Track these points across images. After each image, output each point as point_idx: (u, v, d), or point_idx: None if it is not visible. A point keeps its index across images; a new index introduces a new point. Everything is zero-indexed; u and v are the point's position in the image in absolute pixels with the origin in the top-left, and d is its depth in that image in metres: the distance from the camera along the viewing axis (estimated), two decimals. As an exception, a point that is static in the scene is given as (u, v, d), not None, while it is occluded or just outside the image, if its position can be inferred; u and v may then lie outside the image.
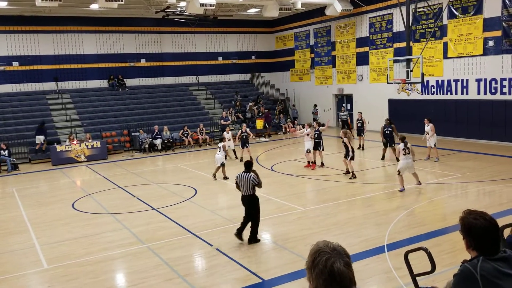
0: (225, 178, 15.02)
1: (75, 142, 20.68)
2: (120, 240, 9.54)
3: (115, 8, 21.63)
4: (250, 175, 8.92)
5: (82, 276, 7.76)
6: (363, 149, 19.48)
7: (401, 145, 12.41)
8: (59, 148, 20.43)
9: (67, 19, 25.86)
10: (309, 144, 16.31)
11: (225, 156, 15.36)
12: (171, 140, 23.19)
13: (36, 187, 15.99)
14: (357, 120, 19.68)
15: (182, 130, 23.77)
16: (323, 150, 16.48)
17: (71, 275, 7.83)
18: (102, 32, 27.10)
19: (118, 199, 13.34)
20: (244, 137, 18.18)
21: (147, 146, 22.36)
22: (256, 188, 8.99)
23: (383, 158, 16.96)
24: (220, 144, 15.62)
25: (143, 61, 28.48)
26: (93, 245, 9.31)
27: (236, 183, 9.19)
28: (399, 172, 12.33)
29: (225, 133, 18.91)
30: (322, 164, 16.36)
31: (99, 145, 21.15)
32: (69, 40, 26.34)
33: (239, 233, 8.97)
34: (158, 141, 22.65)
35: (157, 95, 27.87)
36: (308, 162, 16.40)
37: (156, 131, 22.84)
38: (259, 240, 9.04)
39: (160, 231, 9.97)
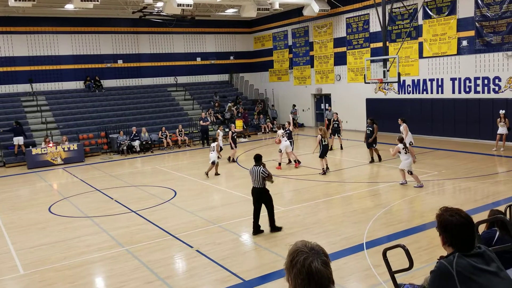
0: (217, 174, 15.75)
1: (51, 145, 20.28)
2: (99, 243, 9.41)
3: (91, 9, 21.32)
4: (259, 168, 9.25)
5: (59, 281, 7.62)
6: (341, 148, 19.65)
7: (401, 145, 12.66)
8: (34, 151, 20.01)
9: (41, 19, 25.35)
10: (281, 145, 16.47)
11: (218, 155, 16.09)
12: (149, 142, 22.97)
13: (11, 191, 15.61)
14: (333, 121, 19.74)
15: (160, 131, 23.62)
16: (292, 150, 16.73)
17: (48, 281, 7.69)
18: (77, 33, 26.66)
19: (96, 202, 13.15)
20: (235, 137, 18.51)
21: (125, 148, 22.10)
22: (266, 181, 9.27)
23: (372, 161, 16.36)
24: (214, 144, 16.08)
25: (120, 62, 28.13)
26: (70, 249, 9.15)
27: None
28: (410, 172, 12.60)
29: (218, 130, 19.19)
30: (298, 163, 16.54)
31: (75, 148, 20.79)
32: (44, 41, 25.84)
33: (255, 229, 9.32)
34: (136, 143, 22.41)
35: (135, 96, 27.58)
36: (279, 163, 16.53)
37: (134, 132, 22.60)
38: (280, 229, 9.44)
39: (139, 234, 9.87)
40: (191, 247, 8.87)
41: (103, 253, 8.84)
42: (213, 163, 15.56)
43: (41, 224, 11.17)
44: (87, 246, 9.27)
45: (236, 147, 18.46)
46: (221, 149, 18.85)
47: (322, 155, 14.94)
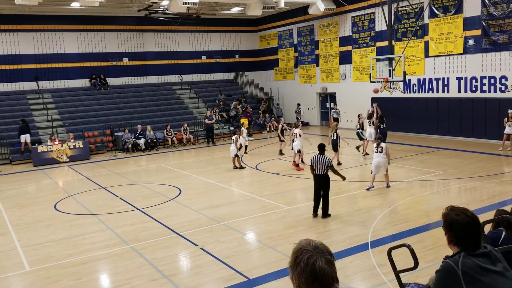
0: (237, 167, 16.27)
1: (56, 143, 20.38)
2: (104, 241, 9.44)
3: (97, 7, 21.38)
4: (325, 156, 9.98)
5: (64, 278, 7.66)
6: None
7: (374, 144, 12.76)
8: (40, 148, 20.12)
9: (47, 17, 25.44)
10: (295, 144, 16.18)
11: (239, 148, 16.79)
12: (154, 140, 23.03)
13: (17, 188, 15.71)
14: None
15: (165, 130, 23.67)
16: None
17: (54, 277, 7.73)
18: (83, 31, 26.75)
19: (101, 199, 13.20)
20: (284, 130, 18.87)
21: (130, 146, 22.16)
22: (329, 169, 9.96)
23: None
24: (233, 137, 16.74)
25: (125, 60, 28.21)
26: (76, 247, 9.19)
27: (311, 166, 10.08)
28: (371, 171, 12.55)
29: (243, 128, 19.50)
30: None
31: (81, 145, 20.88)
32: (50, 39, 25.94)
33: (315, 212, 10.13)
34: (141, 141, 22.47)
35: (140, 95, 27.64)
36: (299, 162, 16.20)
37: (139, 130, 22.66)
38: (330, 215, 10.11)
39: (144, 232, 9.90)
40: (196, 245, 8.88)
41: (108, 250, 8.88)
42: (236, 156, 16.24)
43: (46, 221, 11.23)
44: (92, 244, 9.31)
45: (283, 140, 18.74)
46: (240, 146, 18.57)
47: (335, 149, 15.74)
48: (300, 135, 16.05)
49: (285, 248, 8.35)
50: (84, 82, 27.13)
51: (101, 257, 8.61)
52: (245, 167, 16.51)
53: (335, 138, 15.83)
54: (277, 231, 9.51)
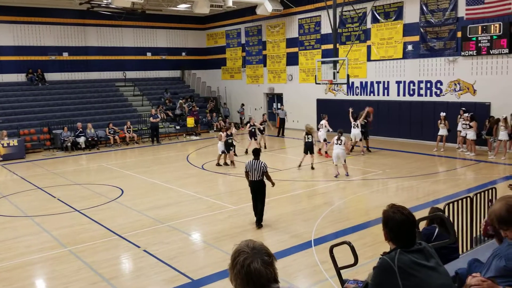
0: (219, 164, 16.46)
1: (-12, 140, 19.17)
2: (39, 244, 8.99)
3: (35, -2, 20.39)
4: (261, 162, 9.51)
5: (-5, 284, 7.22)
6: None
7: (335, 136, 14.18)
8: (-30, 146, 18.85)
9: (-21, 7, 23.93)
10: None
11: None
12: (95, 138, 22.22)
13: None
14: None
15: (107, 128, 22.89)
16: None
17: (-17, 284, 7.26)
18: (19, 23, 25.32)
19: (37, 200, 12.56)
20: (253, 130, 18.87)
21: (69, 144, 21.26)
22: (265, 176, 9.52)
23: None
24: (219, 134, 17.03)
25: (65, 54, 27.02)
26: (9, 250, 8.69)
27: (246, 171, 9.59)
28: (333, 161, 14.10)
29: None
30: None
31: (16, 143, 19.77)
32: (-18, 29, 24.38)
33: (259, 223, 9.58)
34: (81, 139, 21.61)
35: (81, 91, 26.60)
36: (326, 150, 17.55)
37: (80, 128, 21.78)
38: (262, 226, 9.64)
39: (83, 234, 9.52)
40: (138, 247, 8.66)
41: (44, 254, 8.45)
42: (222, 152, 16.34)
43: (-24, 224, 10.53)
44: (27, 247, 8.84)
45: (255, 139, 18.91)
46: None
47: (306, 151, 15.47)
48: (325, 126, 17.67)
49: (230, 248, 8.19)
50: (20, 77, 25.71)
51: (37, 261, 8.19)
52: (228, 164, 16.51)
53: (309, 140, 15.25)
54: (223, 231, 9.47)
